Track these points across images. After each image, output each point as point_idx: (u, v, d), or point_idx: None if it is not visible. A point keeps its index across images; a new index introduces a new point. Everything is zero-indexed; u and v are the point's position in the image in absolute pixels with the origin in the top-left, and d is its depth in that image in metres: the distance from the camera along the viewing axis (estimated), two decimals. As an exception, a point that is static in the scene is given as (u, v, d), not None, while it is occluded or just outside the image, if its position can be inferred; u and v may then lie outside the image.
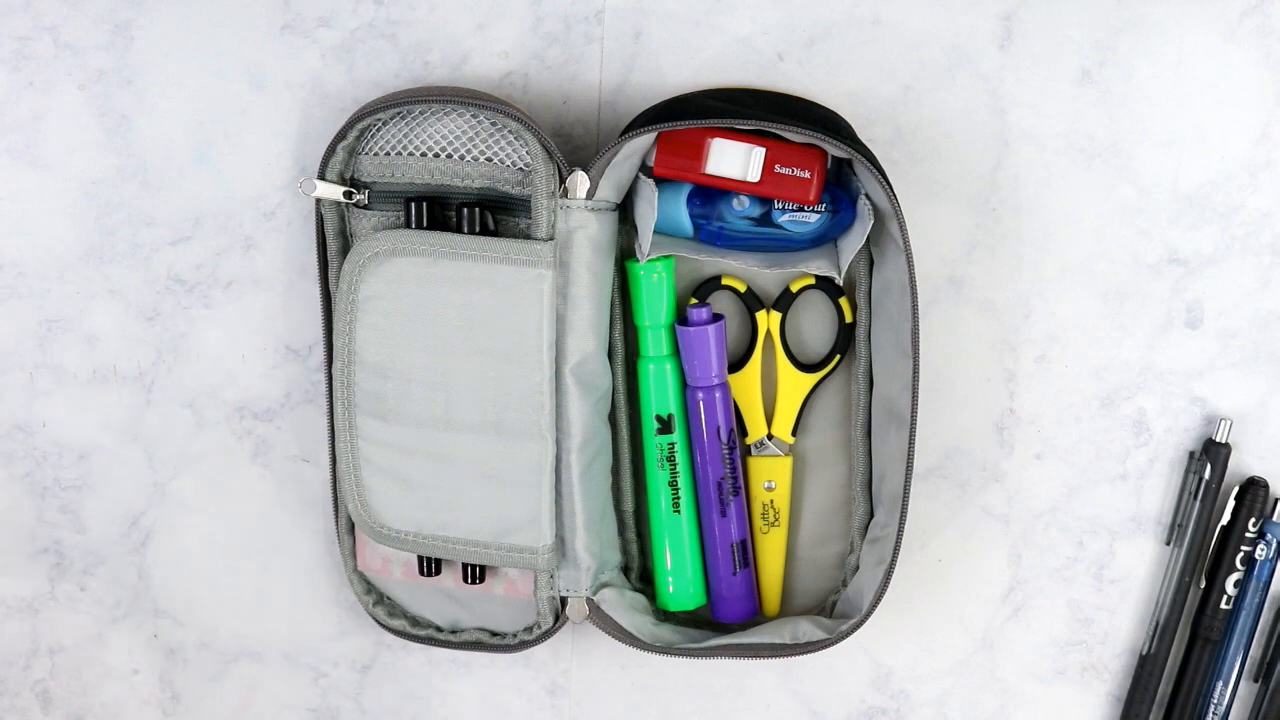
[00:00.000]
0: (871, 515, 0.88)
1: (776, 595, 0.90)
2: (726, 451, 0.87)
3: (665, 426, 0.87)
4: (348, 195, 0.84)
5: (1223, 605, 0.89)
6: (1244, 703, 0.91)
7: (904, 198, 0.86)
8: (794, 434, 0.89)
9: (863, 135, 0.86)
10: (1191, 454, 0.89)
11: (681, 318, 0.87)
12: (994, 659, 0.92)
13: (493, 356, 0.82)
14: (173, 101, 0.88)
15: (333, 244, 0.85)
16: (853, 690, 0.92)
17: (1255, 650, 0.90)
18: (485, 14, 0.87)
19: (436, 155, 0.83)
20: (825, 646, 0.84)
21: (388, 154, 0.83)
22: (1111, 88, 0.86)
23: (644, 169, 0.84)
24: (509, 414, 0.83)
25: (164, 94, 0.88)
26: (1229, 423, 0.88)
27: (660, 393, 0.87)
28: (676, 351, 0.87)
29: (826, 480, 0.90)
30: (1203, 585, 0.89)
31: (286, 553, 0.92)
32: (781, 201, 0.84)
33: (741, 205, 0.84)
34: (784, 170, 0.82)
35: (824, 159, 0.83)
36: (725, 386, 0.87)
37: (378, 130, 0.83)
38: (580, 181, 0.82)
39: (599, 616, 0.87)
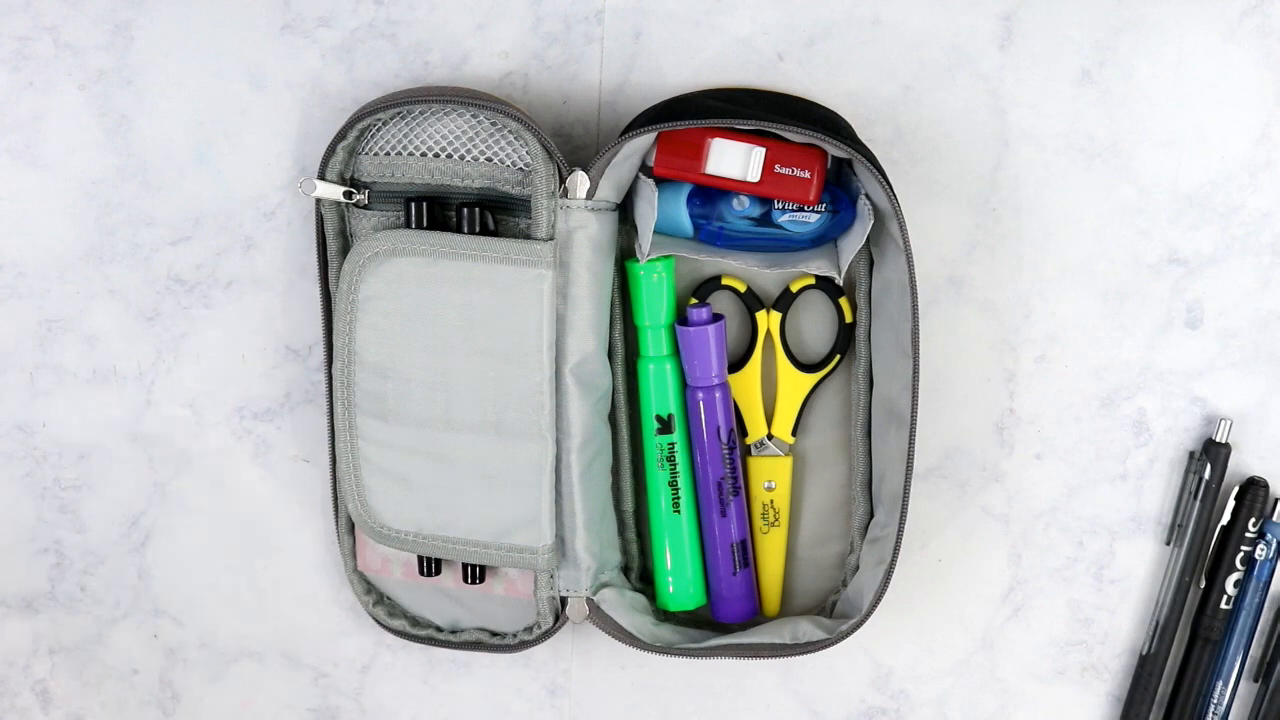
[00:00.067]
0: (871, 515, 0.88)
1: (776, 595, 0.90)
2: (726, 451, 0.87)
3: (665, 426, 0.87)
4: (348, 195, 0.84)
5: (1223, 605, 0.89)
6: (1244, 703, 0.91)
7: (904, 198, 0.86)
8: (794, 434, 0.89)
9: (863, 135, 0.86)
10: (1191, 454, 0.89)
11: (681, 318, 0.87)
12: (994, 659, 0.92)
13: (493, 356, 0.82)
14: (173, 101, 0.88)
15: (333, 244, 0.85)
16: (853, 690, 0.92)
17: (1255, 650, 0.90)
18: (485, 14, 0.87)
19: (436, 155, 0.83)
20: (825, 646, 0.84)
21: (388, 154, 0.83)
22: (1111, 88, 0.86)
23: (644, 169, 0.84)
24: (509, 414, 0.83)
25: (164, 94, 0.88)
26: (1229, 423, 0.88)
27: (660, 393, 0.87)
28: (676, 351, 0.87)
29: (826, 480, 0.90)
30: (1203, 585, 0.89)
31: (286, 553, 0.92)
32: (781, 201, 0.84)
33: (741, 205, 0.84)
34: (784, 170, 0.82)
35: (824, 159, 0.83)
36: (725, 386, 0.87)
37: (378, 130, 0.83)
38: (580, 181, 0.82)
39: (599, 616, 0.87)
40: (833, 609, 0.88)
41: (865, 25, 0.86)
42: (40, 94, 0.88)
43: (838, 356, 0.88)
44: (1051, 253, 0.88)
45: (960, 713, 0.92)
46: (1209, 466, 0.88)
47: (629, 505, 0.89)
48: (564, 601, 0.87)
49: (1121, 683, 0.92)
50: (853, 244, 0.83)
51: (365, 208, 0.84)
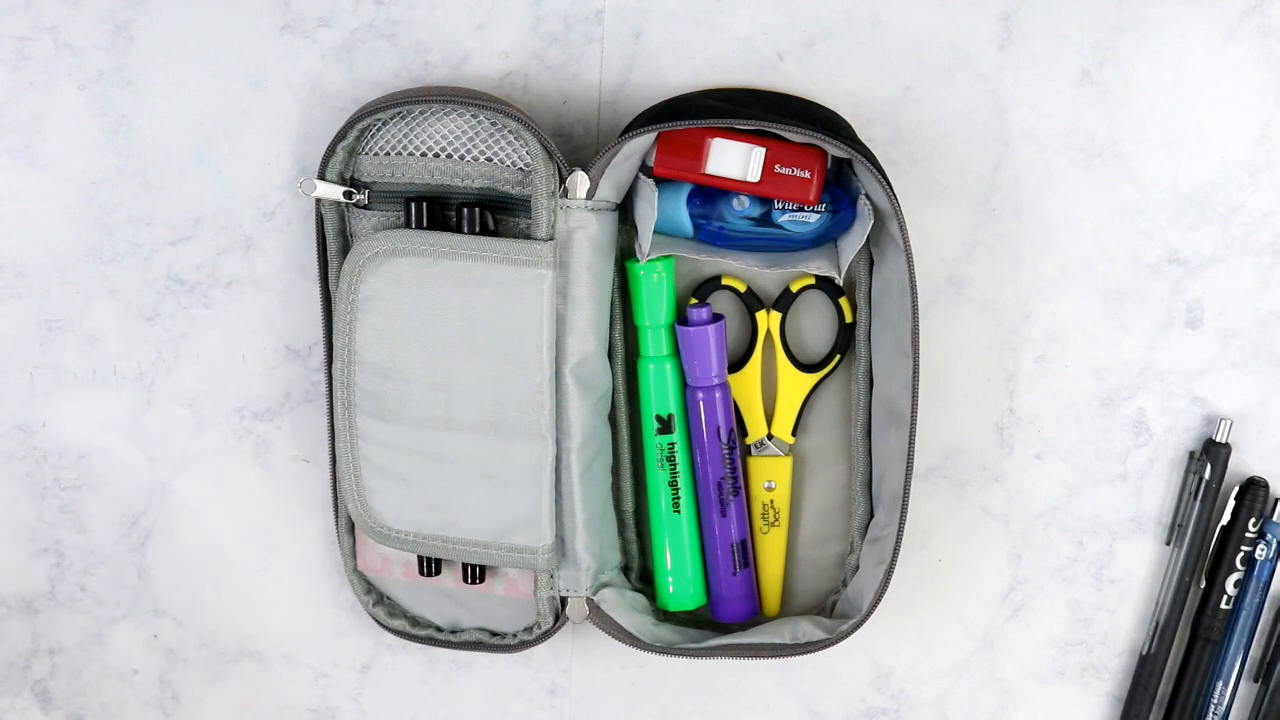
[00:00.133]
0: (871, 515, 0.88)
1: (776, 595, 0.90)
2: (726, 451, 0.87)
3: (665, 426, 0.87)
4: (348, 195, 0.84)
5: (1223, 605, 0.89)
6: (1244, 703, 0.91)
7: (904, 198, 0.86)
8: (794, 434, 0.89)
9: (863, 135, 0.86)
10: (1191, 454, 0.89)
11: (681, 318, 0.87)
12: (994, 659, 0.92)
13: (493, 356, 0.82)
14: (173, 101, 0.88)
15: (333, 244, 0.85)
16: (853, 690, 0.92)
17: (1255, 650, 0.90)
18: (485, 14, 0.87)
19: (436, 155, 0.83)
20: (825, 646, 0.84)
21: (388, 154, 0.83)
22: (1111, 88, 0.86)
23: (644, 169, 0.84)
24: (509, 414, 0.83)
25: (164, 94, 0.88)
26: (1229, 423, 0.88)
27: (660, 393, 0.87)
28: (676, 351, 0.87)
29: (826, 480, 0.90)
30: (1203, 585, 0.89)
31: (286, 553, 0.92)
32: (781, 201, 0.84)
33: (741, 205, 0.84)
34: (784, 170, 0.82)
35: (824, 159, 0.83)
36: (725, 386, 0.87)
37: (378, 130, 0.83)
38: (580, 181, 0.82)
39: (599, 616, 0.87)
40: (833, 609, 0.88)
41: (865, 25, 0.86)
42: (40, 94, 0.88)
43: (838, 356, 0.88)
44: (1051, 253, 0.88)
45: (960, 713, 0.92)
46: (1209, 466, 0.87)
47: (629, 505, 0.89)
48: (564, 601, 0.87)
49: (1121, 683, 0.92)
50: (853, 244, 0.83)
51: (365, 208, 0.84)
